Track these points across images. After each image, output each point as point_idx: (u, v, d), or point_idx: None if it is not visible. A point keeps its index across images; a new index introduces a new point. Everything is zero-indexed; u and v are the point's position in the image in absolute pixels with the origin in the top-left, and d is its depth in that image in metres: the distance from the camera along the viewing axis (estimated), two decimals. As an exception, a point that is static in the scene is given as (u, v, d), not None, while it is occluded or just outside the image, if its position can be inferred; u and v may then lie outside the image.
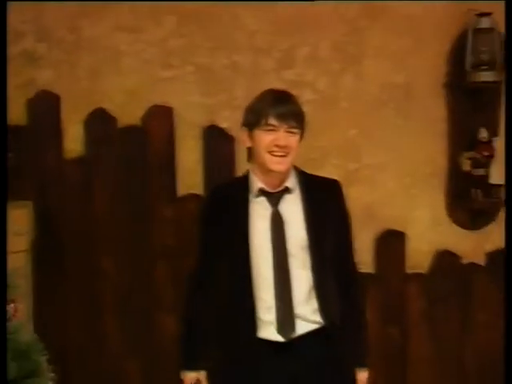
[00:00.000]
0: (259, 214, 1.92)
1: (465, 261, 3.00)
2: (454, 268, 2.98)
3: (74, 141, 2.79)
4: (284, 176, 1.93)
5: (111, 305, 2.83)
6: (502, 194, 2.93)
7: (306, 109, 2.82)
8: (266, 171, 1.91)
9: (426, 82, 2.92)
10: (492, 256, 3.03)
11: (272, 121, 1.86)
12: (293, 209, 1.93)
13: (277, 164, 1.87)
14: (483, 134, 2.90)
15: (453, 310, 3.00)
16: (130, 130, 2.80)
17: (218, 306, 2.00)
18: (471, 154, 2.91)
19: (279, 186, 1.94)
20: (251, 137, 1.92)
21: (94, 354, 2.82)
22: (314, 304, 1.93)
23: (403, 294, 2.93)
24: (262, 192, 1.93)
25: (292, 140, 1.88)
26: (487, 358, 3.01)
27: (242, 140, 1.96)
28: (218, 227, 1.98)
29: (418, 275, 2.94)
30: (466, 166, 2.91)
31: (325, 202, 1.94)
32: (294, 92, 2.78)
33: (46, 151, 2.78)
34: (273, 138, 1.86)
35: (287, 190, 1.94)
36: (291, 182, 1.95)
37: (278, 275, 1.90)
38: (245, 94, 2.85)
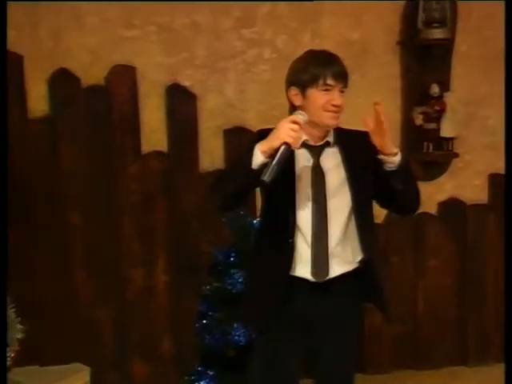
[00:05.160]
0: (302, 164, 2.04)
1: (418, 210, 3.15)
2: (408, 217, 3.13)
3: (38, 100, 2.83)
4: (326, 131, 2.07)
5: (80, 257, 2.91)
6: (452, 146, 3.09)
7: (265, 67, 2.98)
8: (313, 126, 2.01)
9: (380, 39, 3.02)
10: (443, 205, 3.20)
11: (330, 81, 1.96)
12: (332, 161, 2.06)
13: (333, 119, 1.99)
14: (435, 89, 3.03)
15: (407, 257, 3.17)
16: (94, 89, 2.85)
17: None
18: (423, 108, 3.04)
19: (321, 140, 2.06)
20: (304, 96, 2.00)
21: (64, 305, 2.91)
22: (348, 247, 2.05)
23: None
24: (305, 145, 2.05)
25: (343, 99, 2.00)
26: (438, 301, 3.21)
27: (292, 99, 2.03)
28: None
29: (374, 225, 3.10)
30: (419, 120, 3.05)
31: (359, 152, 2.06)
32: (254, 50, 2.94)
33: (10, 111, 2.78)
34: (329, 98, 1.97)
35: (328, 144, 2.07)
36: (331, 136, 2.08)
37: (316, 218, 2.01)
38: (206, 52, 2.93)
